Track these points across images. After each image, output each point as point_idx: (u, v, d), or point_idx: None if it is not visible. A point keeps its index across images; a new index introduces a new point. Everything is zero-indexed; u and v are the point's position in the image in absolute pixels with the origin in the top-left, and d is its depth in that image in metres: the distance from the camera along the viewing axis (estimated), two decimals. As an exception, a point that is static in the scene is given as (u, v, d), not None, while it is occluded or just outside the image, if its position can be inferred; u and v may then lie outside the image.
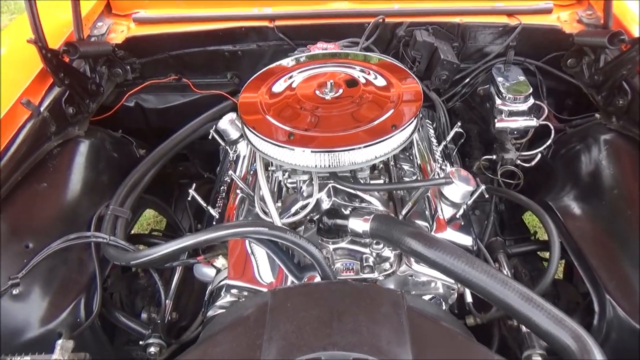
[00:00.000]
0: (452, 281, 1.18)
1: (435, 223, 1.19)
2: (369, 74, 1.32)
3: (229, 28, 1.64)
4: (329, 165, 1.14)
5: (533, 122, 1.53)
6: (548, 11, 1.64)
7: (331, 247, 1.20)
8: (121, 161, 1.56)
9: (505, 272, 1.45)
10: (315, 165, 1.14)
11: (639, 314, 1.08)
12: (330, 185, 1.25)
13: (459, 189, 1.21)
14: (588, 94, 1.54)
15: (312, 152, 1.12)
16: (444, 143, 1.50)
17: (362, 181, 1.31)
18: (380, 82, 1.29)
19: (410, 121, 1.16)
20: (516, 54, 1.66)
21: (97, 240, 1.23)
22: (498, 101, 1.54)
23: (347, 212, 1.20)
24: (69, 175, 1.39)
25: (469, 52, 1.68)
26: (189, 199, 1.29)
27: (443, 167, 1.41)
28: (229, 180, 1.40)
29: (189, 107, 1.74)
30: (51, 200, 1.30)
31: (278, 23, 1.63)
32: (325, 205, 1.27)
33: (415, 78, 1.30)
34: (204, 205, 1.32)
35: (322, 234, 1.21)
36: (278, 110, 1.21)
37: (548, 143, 1.56)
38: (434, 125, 1.65)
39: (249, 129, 1.17)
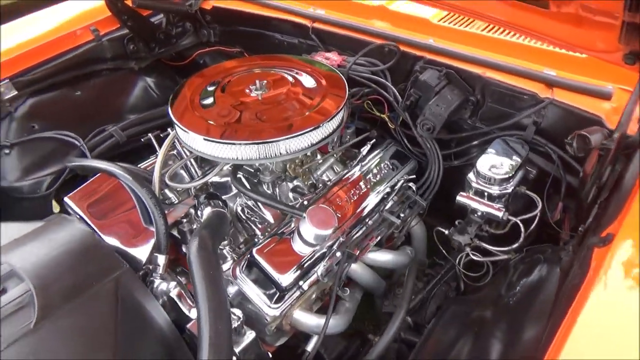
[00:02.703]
0: (269, 307, 1.15)
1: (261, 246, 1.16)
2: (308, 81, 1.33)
3: (280, 19, 1.76)
4: (208, 153, 1.21)
5: (497, 213, 1.25)
6: (606, 97, 1.26)
7: (195, 225, 1.28)
8: (163, 102, 1.87)
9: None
10: (200, 151, 1.22)
11: None
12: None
13: (309, 229, 1.13)
14: None
15: (204, 139, 1.21)
16: (385, 189, 1.36)
17: (264, 186, 1.33)
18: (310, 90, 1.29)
19: (294, 135, 1.14)
20: (544, 134, 1.34)
21: (74, 141, 1.57)
22: (471, 175, 1.30)
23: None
24: (104, 94, 1.77)
25: (488, 113, 1.43)
26: (142, 139, 1.52)
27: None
28: None
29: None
30: (75, 104, 1.69)
31: (316, 25, 1.68)
32: (230, 193, 1.36)
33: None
34: (158, 149, 1.50)
35: (197, 211, 1.30)
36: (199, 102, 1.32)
37: (514, 246, 1.26)
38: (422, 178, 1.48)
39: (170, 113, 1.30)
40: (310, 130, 1.17)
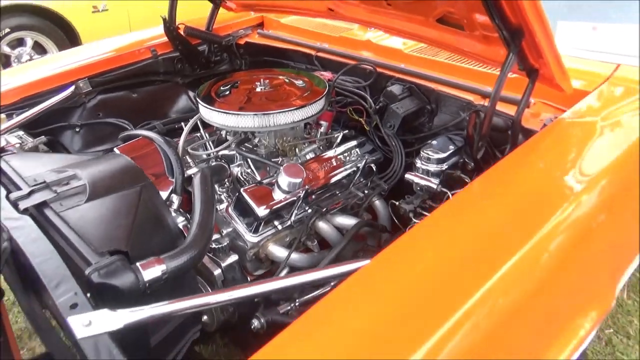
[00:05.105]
0: (250, 235, 1.53)
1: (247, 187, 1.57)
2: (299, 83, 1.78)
3: (293, 50, 2.27)
4: (220, 123, 1.67)
5: (432, 185, 1.61)
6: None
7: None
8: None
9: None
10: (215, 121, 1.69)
11: None
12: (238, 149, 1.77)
13: (284, 179, 1.54)
14: None
15: (223, 113, 1.67)
16: (348, 169, 1.76)
17: (261, 147, 1.77)
18: (299, 90, 1.73)
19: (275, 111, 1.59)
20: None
21: (126, 127, 2.07)
22: (417, 158, 1.68)
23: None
24: (154, 98, 2.29)
25: (441, 118, 1.83)
26: (176, 126, 1.99)
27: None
28: None
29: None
30: (131, 103, 2.21)
31: (319, 54, 2.17)
32: (234, 163, 1.80)
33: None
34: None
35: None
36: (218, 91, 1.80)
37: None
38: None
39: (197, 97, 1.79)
40: (293, 110, 1.60)
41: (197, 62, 2.42)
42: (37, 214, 1.25)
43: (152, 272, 1.09)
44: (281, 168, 1.55)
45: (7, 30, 4.28)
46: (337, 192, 1.75)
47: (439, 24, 1.50)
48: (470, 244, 1.04)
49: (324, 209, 1.66)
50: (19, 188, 1.31)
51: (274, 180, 1.60)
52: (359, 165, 1.78)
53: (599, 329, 2.25)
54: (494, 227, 1.08)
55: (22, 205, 1.25)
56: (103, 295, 1.05)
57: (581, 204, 1.16)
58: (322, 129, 1.91)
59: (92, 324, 0.93)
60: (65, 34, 4.63)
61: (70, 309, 0.99)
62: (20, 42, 4.47)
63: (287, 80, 1.82)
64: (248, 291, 1.07)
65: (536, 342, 1.02)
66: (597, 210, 1.20)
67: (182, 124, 1.97)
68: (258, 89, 1.76)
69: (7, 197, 1.28)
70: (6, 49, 4.36)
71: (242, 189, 1.56)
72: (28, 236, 1.16)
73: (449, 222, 1.11)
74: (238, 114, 1.60)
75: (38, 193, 1.30)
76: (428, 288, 0.95)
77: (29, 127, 1.94)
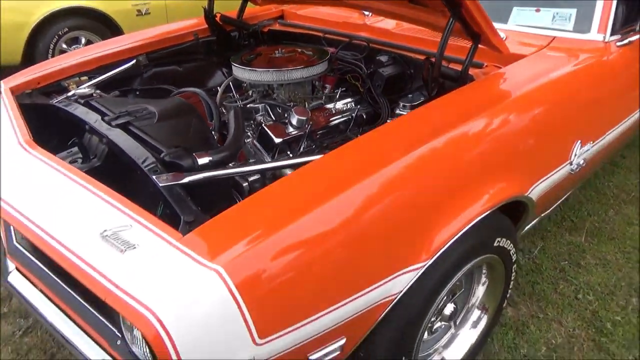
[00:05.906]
0: (269, 159, 2.08)
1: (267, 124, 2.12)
2: (308, 53, 2.33)
3: (305, 33, 2.83)
4: (247, 77, 2.23)
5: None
6: (478, 66, 2.16)
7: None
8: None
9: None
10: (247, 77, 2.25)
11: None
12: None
13: (295, 117, 2.08)
14: None
15: (250, 70, 2.24)
16: (345, 117, 2.29)
17: (279, 100, 2.32)
18: (307, 57, 2.29)
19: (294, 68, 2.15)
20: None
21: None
22: (396, 108, 2.21)
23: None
24: (196, 73, 2.87)
25: (418, 81, 2.35)
26: (213, 89, 2.56)
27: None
28: None
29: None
30: (178, 75, 2.80)
31: (326, 36, 2.72)
32: (258, 113, 2.36)
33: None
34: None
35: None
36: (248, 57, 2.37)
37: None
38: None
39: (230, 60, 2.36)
40: (303, 68, 2.15)
41: (229, 45, 2.99)
42: (123, 128, 1.83)
43: (203, 160, 1.65)
44: (292, 109, 2.10)
45: (66, 29, 4.99)
46: (336, 135, 2.28)
47: (410, 4, 2.04)
48: (413, 131, 1.57)
49: (325, 144, 2.20)
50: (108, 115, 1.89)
51: (286, 120, 2.15)
52: (353, 114, 2.32)
53: (555, 261, 2.72)
54: (434, 122, 1.62)
55: (113, 123, 1.83)
56: (170, 172, 1.60)
57: (504, 118, 1.70)
58: (326, 91, 2.46)
59: (167, 179, 1.49)
60: (112, 34, 5.31)
61: (153, 172, 1.55)
62: (75, 40, 5.16)
63: (299, 50, 2.38)
64: (255, 167, 1.72)
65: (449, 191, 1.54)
66: (519, 121, 1.74)
67: (218, 87, 2.54)
68: (277, 55, 2.32)
69: (102, 119, 1.86)
70: (64, 46, 5.05)
71: (263, 124, 2.12)
72: (120, 138, 1.73)
73: (400, 123, 1.64)
74: (262, 70, 2.16)
75: (122, 117, 1.88)
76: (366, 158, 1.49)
77: (101, 88, 2.53)
